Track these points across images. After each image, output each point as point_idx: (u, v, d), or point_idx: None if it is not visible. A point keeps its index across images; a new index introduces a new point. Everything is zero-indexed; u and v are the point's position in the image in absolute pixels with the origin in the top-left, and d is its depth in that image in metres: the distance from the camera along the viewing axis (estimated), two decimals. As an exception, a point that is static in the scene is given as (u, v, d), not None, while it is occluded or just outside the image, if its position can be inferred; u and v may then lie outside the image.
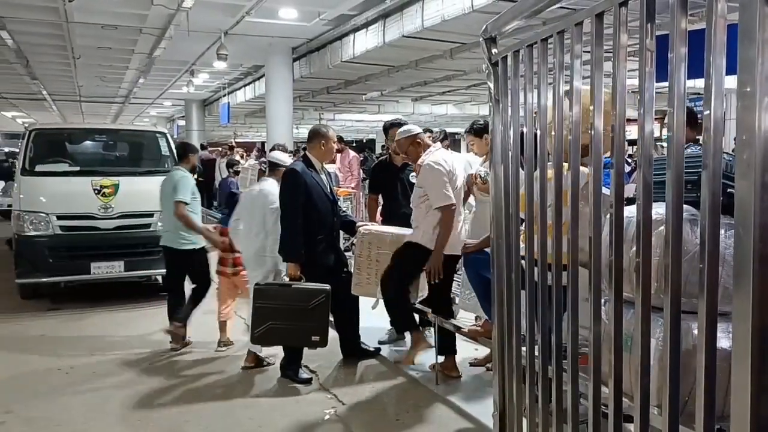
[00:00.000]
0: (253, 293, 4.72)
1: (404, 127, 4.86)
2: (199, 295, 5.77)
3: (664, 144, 1.88)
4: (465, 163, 4.95)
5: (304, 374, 4.85)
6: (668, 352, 1.81)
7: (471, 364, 4.95)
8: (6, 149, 21.03)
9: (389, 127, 5.41)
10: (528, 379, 2.93)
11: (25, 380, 4.95)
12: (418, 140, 4.70)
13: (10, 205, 8.94)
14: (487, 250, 3.56)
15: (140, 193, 7.40)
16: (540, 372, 2.74)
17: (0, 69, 16.01)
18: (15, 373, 5.11)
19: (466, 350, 5.03)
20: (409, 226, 4.77)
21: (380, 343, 5.54)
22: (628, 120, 2.12)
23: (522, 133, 2.78)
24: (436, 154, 4.60)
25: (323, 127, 5.08)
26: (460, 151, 7.80)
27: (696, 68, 1.76)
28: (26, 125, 9.31)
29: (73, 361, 5.34)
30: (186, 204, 5.58)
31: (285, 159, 5.35)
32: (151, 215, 7.25)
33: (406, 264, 4.63)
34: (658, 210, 2.14)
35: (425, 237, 4.53)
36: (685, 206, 2.06)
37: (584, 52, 2.33)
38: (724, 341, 2.13)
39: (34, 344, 5.89)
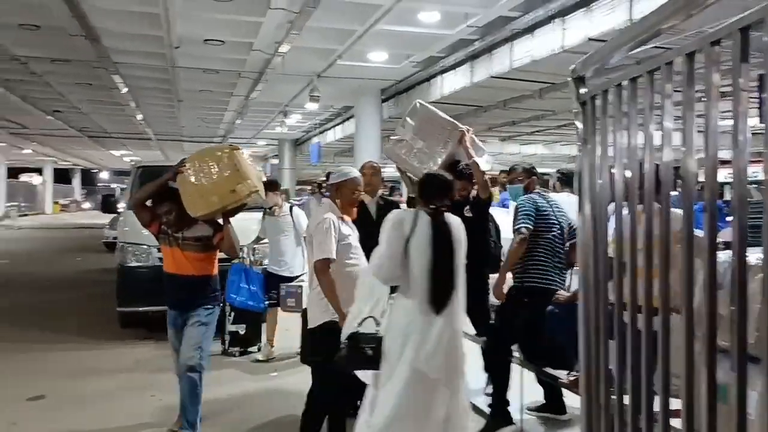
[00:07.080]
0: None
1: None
2: None
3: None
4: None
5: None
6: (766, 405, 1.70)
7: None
8: (113, 185, 22.38)
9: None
10: (617, 430, 2.81)
11: (117, 404, 5.20)
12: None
13: (115, 238, 9.47)
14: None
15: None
16: (630, 423, 2.63)
17: (113, 110, 17.21)
18: (109, 396, 5.38)
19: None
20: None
21: None
22: (722, 162, 2.05)
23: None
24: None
25: None
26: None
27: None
28: (133, 162, 9.91)
29: (164, 387, 5.54)
30: None
31: None
32: (241, 249, 7.50)
33: None
34: (757, 255, 2.04)
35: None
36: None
37: (676, 91, 2.28)
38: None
39: (129, 370, 6.18)
